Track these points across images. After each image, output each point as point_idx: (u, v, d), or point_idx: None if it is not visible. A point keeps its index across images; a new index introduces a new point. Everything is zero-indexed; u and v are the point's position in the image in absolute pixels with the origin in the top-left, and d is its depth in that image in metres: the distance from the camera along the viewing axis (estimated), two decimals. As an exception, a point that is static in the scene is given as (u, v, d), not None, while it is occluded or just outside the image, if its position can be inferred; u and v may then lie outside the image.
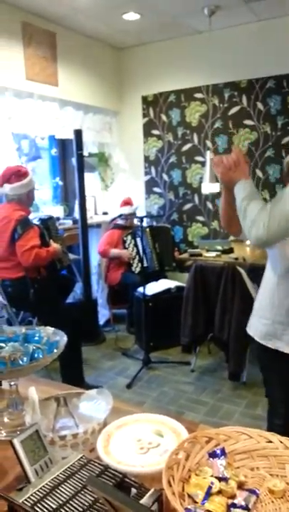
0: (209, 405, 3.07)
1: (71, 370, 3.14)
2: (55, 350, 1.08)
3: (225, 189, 1.74)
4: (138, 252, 4.25)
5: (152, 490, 0.72)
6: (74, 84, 4.25)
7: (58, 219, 4.16)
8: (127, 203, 4.44)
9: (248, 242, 4.20)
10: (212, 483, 0.78)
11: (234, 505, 0.75)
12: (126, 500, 0.65)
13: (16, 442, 0.79)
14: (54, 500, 0.74)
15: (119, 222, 4.42)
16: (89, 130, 4.49)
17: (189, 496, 0.76)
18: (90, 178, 4.81)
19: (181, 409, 3.02)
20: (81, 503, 0.74)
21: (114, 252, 4.26)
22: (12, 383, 1.09)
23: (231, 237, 4.46)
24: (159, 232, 4.40)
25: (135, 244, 4.26)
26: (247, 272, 3.27)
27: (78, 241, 4.08)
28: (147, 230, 4.28)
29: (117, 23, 4.03)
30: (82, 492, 0.76)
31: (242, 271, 3.21)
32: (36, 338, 1.12)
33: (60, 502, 0.74)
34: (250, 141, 4.28)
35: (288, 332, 1.68)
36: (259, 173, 4.26)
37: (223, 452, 0.84)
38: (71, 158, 4.56)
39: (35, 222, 3.26)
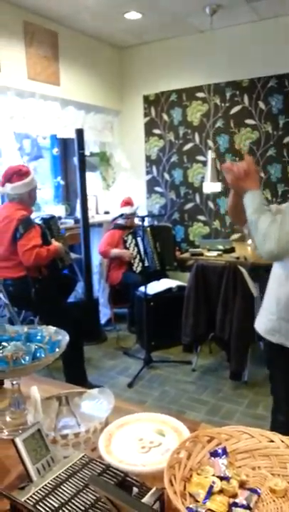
0: (210, 405, 3.07)
1: (74, 370, 3.14)
2: (57, 350, 1.08)
3: (234, 191, 1.75)
4: (139, 252, 4.25)
5: (154, 489, 0.72)
6: (76, 83, 4.26)
7: (60, 218, 4.17)
8: (128, 202, 4.44)
9: (249, 242, 4.20)
10: (214, 482, 0.78)
11: (235, 505, 0.75)
12: (128, 499, 0.65)
13: (18, 441, 0.80)
14: (56, 499, 0.74)
15: (120, 222, 4.42)
16: (90, 129, 4.49)
17: (191, 495, 0.77)
18: (92, 178, 4.81)
19: (182, 408, 3.03)
20: (83, 501, 0.74)
21: (115, 252, 4.26)
22: (14, 382, 1.09)
23: (232, 237, 4.47)
24: (160, 232, 4.40)
25: (136, 244, 4.26)
26: (248, 271, 3.28)
27: (80, 240, 4.08)
28: (148, 229, 4.28)
29: (118, 22, 4.03)
30: (84, 491, 0.76)
31: (243, 270, 3.21)
32: (38, 338, 1.12)
33: (62, 501, 0.74)
34: (252, 140, 4.27)
35: None
36: (260, 172, 4.26)
37: (224, 451, 0.84)
38: (73, 158, 4.56)
39: (37, 221, 3.26)
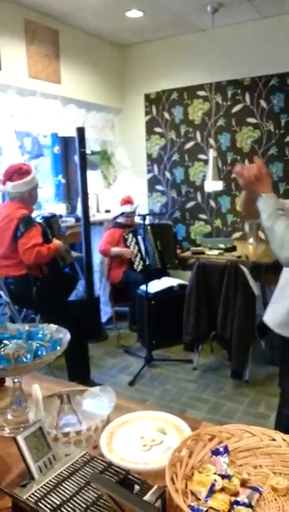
0: (211, 403, 3.07)
1: (77, 367, 3.15)
2: (58, 348, 1.08)
3: (246, 193, 1.73)
4: (140, 250, 4.25)
5: (155, 487, 0.72)
6: (76, 82, 4.25)
7: (61, 217, 4.16)
8: (127, 201, 4.44)
9: (250, 240, 4.20)
10: (215, 480, 0.78)
11: (237, 503, 0.75)
12: (130, 496, 0.65)
13: (20, 439, 0.80)
14: (58, 496, 0.74)
15: (120, 220, 4.42)
16: (91, 128, 4.48)
17: (192, 493, 0.77)
18: (93, 176, 4.80)
19: (183, 407, 3.03)
20: (85, 499, 0.74)
21: (116, 250, 4.26)
22: (16, 380, 1.09)
23: (234, 236, 4.47)
24: (160, 230, 4.39)
25: (137, 243, 4.26)
26: (249, 269, 3.27)
27: (81, 239, 4.08)
28: (148, 227, 4.28)
29: (119, 20, 4.02)
30: (86, 489, 0.76)
31: (244, 269, 3.20)
32: (40, 336, 1.12)
33: (64, 498, 0.74)
34: (253, 139, 4.27)
35: None
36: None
37: (226, 450, 0.84)
38: (74, 156, 4.56)
39: (38, 220, 3.26)
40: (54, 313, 3.06)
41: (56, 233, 3.34)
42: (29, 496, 0.74)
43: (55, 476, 0.79)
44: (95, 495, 0.75)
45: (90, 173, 4.42)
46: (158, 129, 4.77)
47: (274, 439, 0.87)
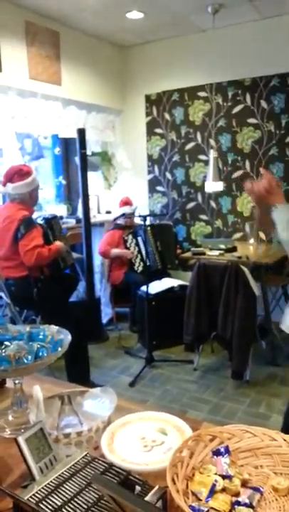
0: (212, 404, 3.07)
1: (77, 369, 3.15)
2: (59, 349, 1.08)
3: (259, 207, 1.74)
4: (140, 251, 4.25)
5: (156, 487, 0.72)
6: (77, 83, 4.26)
7: (61, 218, 4.17)
8: (126, 202, 4.44)
9: (251, 241, 4.20)
10: (216, 480, 0.78)
11: (238, 503, 0.75)
12: (131, 497, 0.65)
13: (21, 440, 0.80)
14: (59, 497, 0.74)
15: (119, 222, 4.42)
16: (92, 129, 4.49)
17: (193, 494, 0.77)
18: (93, 177, 4.81)
19: (184, 407, 3.03)
20: (86, 500, 0.74)
21: (115, 252, 4.26)
22: (17, 381, 1.09)
23: (234, 236, 4.47)
24: (160, 231, 4.38)
25: (136, 244, 4.26)
26: (250, 270, 3.27)
27: (81, 240, 4.08)
28: (148, 228, 4.27)
29: (120, 21, 4.03)
30: (87, 489, 0.76)
31: (245, 269, 3.20)
32: (41, 337, 1.12)
33: (65, 499, 0.74)
34: (254, 139, 4.27)
35: None
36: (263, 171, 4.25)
37: (227, 450, 0.84)
38: (74, 157, 4.56)
39: (39, 221, 3.26)
40: (55, 314, 3.06)
41: (57, 234, 3.34)
42: (30, 497, 0.74)
43: (56, 477, 0.79)
44: (96, 496, 0.75)
45: (91, 175, 4.42)
46: (158, 130, 4.78)
47: (275, 440, 0.87)
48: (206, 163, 4.45)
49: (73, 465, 0.82)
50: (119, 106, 4.88)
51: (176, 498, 0.69)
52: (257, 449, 0.87)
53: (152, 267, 4.13)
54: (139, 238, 4.24)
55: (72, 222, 4.33)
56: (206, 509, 0.72)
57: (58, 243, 3.20)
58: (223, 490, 0.77)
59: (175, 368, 3.61)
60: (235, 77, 4.27)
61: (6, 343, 1.09)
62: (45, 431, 0.84)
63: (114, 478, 0.77)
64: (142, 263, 4.21)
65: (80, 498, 0.74)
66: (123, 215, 4.39)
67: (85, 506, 0.73)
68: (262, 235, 4.25)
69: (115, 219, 4.49)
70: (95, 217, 4.67)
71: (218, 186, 4.07)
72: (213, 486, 0.77)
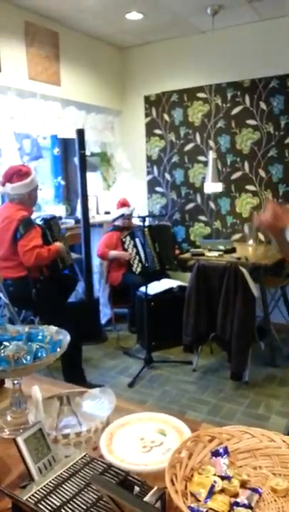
0: (211, 405, 3.07)
1: (73, 370, 3.14)
2: (58, 349, 1.08)
3: (274, 236, 1.77)
4: (138, 253, 4.25)
5: (155, 488, 0.72)
6: (76, 83, 4.26)
7: (60, 218, 4.17)
8: (124, 204, 4.44)
9: (250, 242, 4.20)
10: (215, 481, 0.78)
11: (237, 504, 0.75)
12: (131, 498, 0.65)
13: (20, 440, 0.80)
14: (57, 497, 0.74)
15: (117, 223, 4.43)
16: (91, 129, 4.49)
17: (192, 495, 0.77)
18: (92, 178, 4.81)
19: (183, 408, 3.03)
20: (84, 500, 0.74)
21: (114, 253, 4.26)
22: (15, 382, 1.09)
23: (233, 237, 4.47)
24: (158, 231, 4.38)
25: (134, 245, 4.26)
26: (249, 271, 3.27)
27: (80, 240, 4.08)
28: (146, 229, 4.27)
29: (119, 22, 4.03)
30: (86, 490, 0.76)
31: (244, 271, 3.21)
32: (40, 337, 1.12)
33: (64, 500, 0.74)
34: (253, 140, 4.27)
35: None
36: (262, 173, 4.26)
37: (226, 451, 0.84)
38: (73, 158, 4.56)
39: (38, 221, 3.26)
40: (53, 314, 3.06)
41: (56, 235, 3.34)
42: (29, 497, 0.74)
43: (55, 478, 0.79)
44: (95, 496, 0.75)
45: (90, 175, 4.42)
46: (158, 131, 4.78)
47: (274, 441, 0.87)
48: (205, 164, 4.46)
49: (72, 465, 0.82)
50: (118, 107, 4.89)
51: (175, 499, 0.69)
52: (256, 449, 0.87)
53: (150, 268, 4.13)
54: (137, 239, 4.24)
55: (71, 222, 4.33)
56: (204, 510, 0.72)
57: (57, 244, 3.20)
58: (222, 491, 0.77)
59: (174, 369, 3.61)
60: (234, 79, 4.27)
61: (5, 343, 1.09)
62: (44, 431, 0.84)
63: (113, 479, 0.77)
64: (140, 264, 4.21)
65: (79, 499, 0.74)
66: (122, 215, 4.39)
67: (84, 507, 0.73)
68: (261, 236, 4.26)
69: (114, 220, 4.49)
70: (94, 217, 4.67)
71: (217, 187, 4.07)
72: (212, 486, 0.77)
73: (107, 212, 4.99)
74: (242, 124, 4.30)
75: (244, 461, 0.87)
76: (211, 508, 0.73)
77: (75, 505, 0.73)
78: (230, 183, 4.42)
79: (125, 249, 4.28)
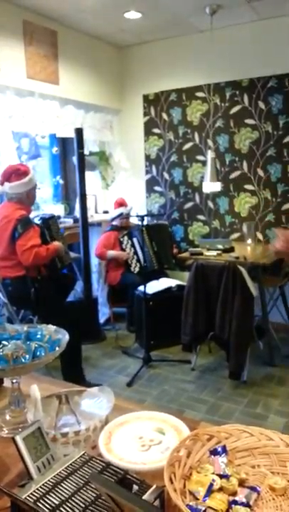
0: (210, 404, 3.07)
1: (72, 369, 3.14)
2: (57, 348, 1.08)
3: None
4: (136, 252, 4.24)
5: (154, 487, 0.72)
6: (75, 82, 4.25)
7: (59, 217, 4.17)
8: (121, 203, 4.44)
9: (248, 241, 4.20)
10: (213, 480, 0.78)
11: (235, 502, 0.75)
12: (130, 496, 0.65)
13: (19, 439, 0.80)
14: (56, 496, 0.74)
15: (115, 223, 4.43)
16: (90, 128, 4.49)
17: (191, 493, 0.77)
18: (91, 177, 4.81)
19: (181, 407, 3.03)
20: (83, 499, 0.74)
21: (112, 253, 4.26)
22: (14, 381, 1.09)
23: (232, 236, 4.48)
24: (155, 231, 4.37)
25: (132, 245, 4.25)
26: (248, 270, 3.28)
27: (79, 240, 4.08)
28: (143, 228, 4.27)
29: (118, 21, 4.03)
30: (85, 488, 0.76)
31: (243, 270, 3.21)
32: (38, 336, 1.12)
33: (63, 498, 0.74)
34: (252, 140, 4.28)
35: None
36: (260, 172, 4.26)
37: (224, 450, 0.84)
38: (72, 157, 4.56)
39: (37, 221, 3.26)
40: (52, 314, 3.06)
41: (54, 234, 3.34)
42: (28, 496, 0.74)
43: (54, 476, 0.79)
44: (94, 495, 0.75)
45: (89, 174, 4.42)
46: (156, 130, 4.78)
47: (272, 439, 0.88)
48: (204, 163, 4.46)
49: (71, 464, 0.82)
50: (117, 106, 4.88)
51: (174, 498, 0.69)
52: (254, 448, 0.88)
53: (149, 268, 4.13)
54: (135, 239, 4.24)
55: (69, 221, 4.33)
56: (203, 508, 0.72)
57: (55, 243, 3.20)
58: (221, 489, 0.78)
59: (172, 368, 3.61)
60: (233, 78, 4.27)
61: (4, 342, 1.09)
62: (43, 430, 0.84)
63: (112, 478, 0.77)
64: (138, 264, 4.21)
65: (78, 497, 0.74)
66: (121, 214, 4.39)
67: (83, 505, 0.73)
68: (259, 236, 4.26)
69: (112, 219, 4.49)
70: (93, 217, 4.67)
71: (216, 187, 4.07)
72: (211, 485, 0.77)
73: (106, 212, 4.99)
74: (240, 123, 4.31)
75: (242, 459, 0.87)
76: (209, 507, 0.73)
77: (73, 504, 0.73)
78: (228, 183, 4.42)
79: (123, 249, 4.28)
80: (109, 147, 4.95)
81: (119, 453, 0.89)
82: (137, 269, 4.22)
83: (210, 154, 4.06)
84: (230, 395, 3.19)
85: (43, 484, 0.77)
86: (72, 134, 4.04)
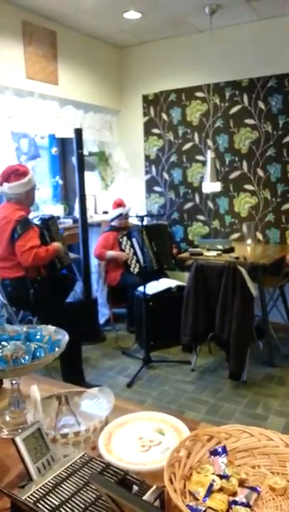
0: (210, 404, 3.07)
1: (71, 370, 3.14)
2: (56, 349, 1.08)
3: None
4: (135, 253, 4.24)
5: (154, 487, 0.72)
6: (74, 83, 4.26)
7: (58, 218, 4.17)
8: (120, 204, 4.44)
9: (248, 242, 4.20)
10: (213, 480, 0.78)
11: (235, 503, 0.75)
12: (130, 496, 0.65)
13: (18, 440, 0.80)
14: (56, 497, 0.74)
15: (114, 224, 4.42)
16: (89, 129, 4.49)
17: (191, 494, 0.77)
18: (90, 177, 4.81)
19: (181, 408, 3.03)
20: (83, 499, 0.74)
21: (111, 254, 4.26)
22: (14, 382, 1.09)
23: (232, 237, 4.48)
24: (154, 231, 4.37)
25: (131, 245, 4.25)
26: (248, 271, 3.28)
27: (78, 240, 4.08)
28: (142, 229, 4.26)
29: (117, 21, 4.03)
30: (85, 489, 0.76)
31: (243, 270, 3.21)
32: (38, 337, 1.12)
33: (63, 499, 0.74)
34: (251, 140, 4.28)
35: None
36: (260, 172, 4.26)
37: (224, 450, 0.84)
38: (71, 157, 4.56)
39: (36, 221, 3.26)
40: (51, 315, 3.05)
41: (54, 235, 3.34)
42: (28, 497, 0.74)
43: (54, 477, 0.79)
44: (94, 495, 0.75)
45: (88, 175, 4.42)
46: (156, 130, 4.78)
47: (272, 440, 0.87)
48: (204, 163, 4.46)
49: (71, 465, 0.82)
50: (116, 106, 4.88)
51: (174, 498, 0.69)
52: (254, 448, 0.88)
53: (148, 268, 4.13)
54: (134, 240, 4.24)
55: (69, 222, 4.33)
56: (203, 509, 0.72)
57: (55, 244, 3.20)
58: (221, 489, 0.78)
59: (172, 369, 3.61)
60: (232, 78, 4.27)
61: (4, 343, 1.09)
62: (43, 431, 0.84)
63: (112, 478, 0.77)
64: (137, 264, 4.21)
65: (78, 498, 0.74)
66: (120, 215, 4.39)
67: (83, 506, 0.73)
68: (259, 236, 4.26)
69: (112, 220, 4.49)
70: (92, 217, 4.67)
71: (216, 187, 4.07)
72: (211, 485, 0.77)
73: (105, 212, 4.99)
74: (240, 123, 4.31)
75: (242, 460, 0.87)
76: (209, 507, 0.73)
77: (73, 505, 0.73)
78: (228, 183, 4.42)
79: (122, 250, 4.28)
80: (108, 147, 4.95)
81: (119, 453, 0.89)
82: (136, 270, 4.21)
83: (210, 154, 4.06)
84: (230, 395, 3.19)
85: (43, 485, 0.77)
86: (71, 135, 4.03)
